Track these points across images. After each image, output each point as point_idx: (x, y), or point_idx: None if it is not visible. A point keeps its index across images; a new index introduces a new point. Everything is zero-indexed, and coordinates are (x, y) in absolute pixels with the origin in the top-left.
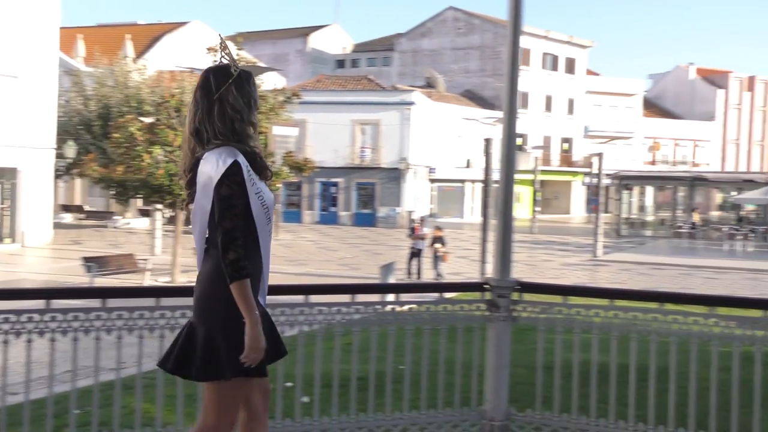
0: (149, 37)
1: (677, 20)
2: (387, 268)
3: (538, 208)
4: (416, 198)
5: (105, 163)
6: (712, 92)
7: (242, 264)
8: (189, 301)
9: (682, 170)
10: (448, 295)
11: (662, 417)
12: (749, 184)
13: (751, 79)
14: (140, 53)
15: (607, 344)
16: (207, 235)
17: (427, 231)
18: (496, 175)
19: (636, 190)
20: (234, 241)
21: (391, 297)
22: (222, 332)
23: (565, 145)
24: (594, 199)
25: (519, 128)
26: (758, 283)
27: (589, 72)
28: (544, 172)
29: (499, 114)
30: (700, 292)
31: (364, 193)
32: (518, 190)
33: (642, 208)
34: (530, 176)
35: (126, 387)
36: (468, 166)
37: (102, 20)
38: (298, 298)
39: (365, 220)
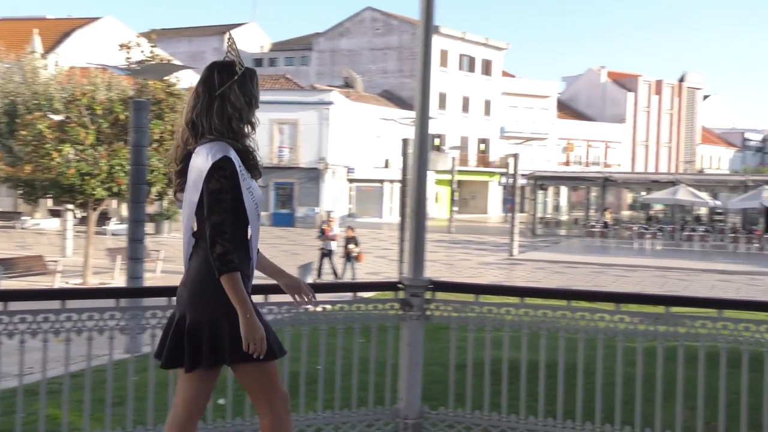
0: (58, 32)
1: (589, 24)
2: (305, 269)
3: (455, 208)
4: (335, 198)
5: (12, 161)
6: (622, 95)
7: (230, 257)
8: (98, 303)
9: (594, 171)
10: (362, 294)
11: (571, 412)
12: (657, 184)
13: (659, 83)
14: (49, 48)
15: (519, 341)
16: (195, 228)
17: (339, 232)
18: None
19: (551, 190)
20: (222, 234)
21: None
22: (225, 319)
23: (482, 146)
24: (510, 199)
25: (437, 129)
26: (666, 280)
27: (505, 74)
28: (461, 172)
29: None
30: (610, 289)
31: (282, 193)
32: (436, 190)
33: (557, 208)
34: (448, 176)
35: (30, 393)
36: (386, 166)
37: (6, 14)
38: None
39: (284, 220)
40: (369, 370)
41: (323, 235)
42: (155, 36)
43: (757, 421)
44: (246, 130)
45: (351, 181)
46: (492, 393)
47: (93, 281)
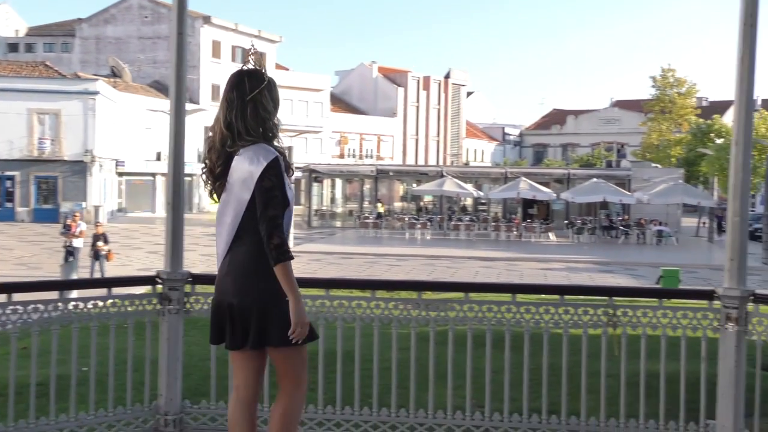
0: None
1: (360, 18)
2: (69, 266)
3: None
4: (103, 192)
5: None
6: (393, 90)
7: (286, 248)
8: None
9: (367, 163)
10: (117, 290)
11: (349, 398)
12: (426, 176)
13: (426, 79)
14: None
15: None
16: (239, 224)
17: (84, 228)
18: (186, 168)
19: (326, 182)
20: (278, 227)
21: (75, 294)
22: (271, 306)
23: None
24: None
25: (211, 121)
26: (434, 268)
27: (279, 66)
28: None
29: (191, 106)
30: (384, 278)
31: (44, 187)
32: None
33: (332, 200)
34: None
35: None
36: (158, 159)
37: None
38: None
39: (47, 215)
40: (127, 369)
41: (69, 231)
42: None
43: (518, 396)
44: (276, 131)
45: (121, 174)
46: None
47: None
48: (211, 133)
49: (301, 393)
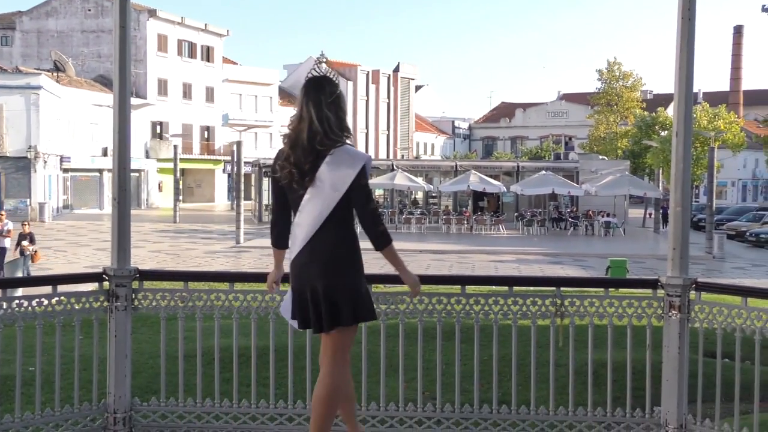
0: None
1: (308, 12)
2: (13, 265)
3: (180, 197)
4: (48, 189)
5: None
6: (342, 84)
7: (388, 233)
8: None
9: None
10: (63, 288)
11: (301, 393)
12: (377, 170)
13: (376, 73)
14: None
15: (230, 328)
16: (327, 217)
17: (11, 227)
18: (132, 164)
19: None
20: (379, 217)
21: (20, 292)
22: (360, 286)
23: (206, 134)
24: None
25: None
26: (385, 262)
27: (227, 60)
28: (185, 160)
29: (137, 101)
30: None
31: None
32: (160, 178)
33: None
34: (171, 165)
35: None
36: (105, 154)
37: None
38: None
39: None
40: (74, 367)
41: None
42: None
43: (469, 387)
44: (350, 131)
45: (66, 170)
46: (204, 379)
47: None
48: (292, 133)
49: (348, 370)
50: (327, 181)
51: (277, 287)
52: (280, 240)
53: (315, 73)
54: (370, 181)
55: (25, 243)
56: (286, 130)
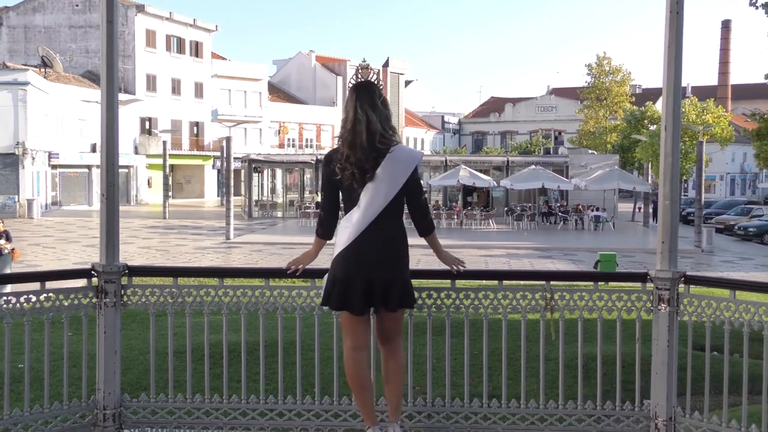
0: None
1: (297, 7)
2: (2, 261)
3: (169, 193)
4: (36, 185)
5: None
6: (332, 79)
7: (433, 221)
8: None
9: (307, 153)
10: (52, 284)
11: (291, 388)
12: None
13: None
14: None
15: (220, 323)
16: (383, 210)
17: None
18: (121, 160)
19: (266, 172)
20: (428, 207)
21: (8, 289)
22: (408, 275)
23: (195, 129)
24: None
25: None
26: None
27: (216, 56)
28: (174, 156)
29: (126, 96)
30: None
31: None
32: (149, 174)
33: (273, 190)
34: (160, 160)
35: None
36: (93, 150)
37: None
38: None
39: None
40: (63, 364)
41: None
42: None
43: (460, 381)
44: (395, 130)
45: (54, 167)
46: (194, 376)
47: None
48: (348, 134)
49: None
50: (386, 177)
51: (300, 267)
52: (328, 232)
53: (360, 78)
54: None
55: (1, 242)
56: (342, 132)
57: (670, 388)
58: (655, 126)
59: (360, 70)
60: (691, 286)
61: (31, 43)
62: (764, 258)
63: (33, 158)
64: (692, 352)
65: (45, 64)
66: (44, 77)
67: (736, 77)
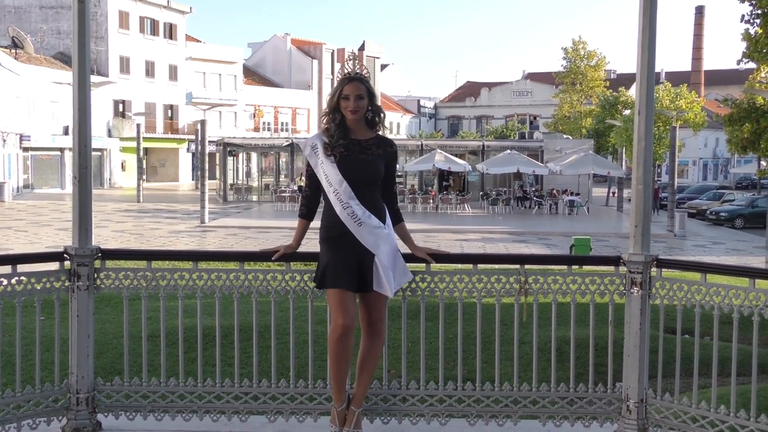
0: None
1: None
2: None
3: (144, 176)
4: (7, 168)
5: None
6: (307, 62)
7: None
8: None
9: (283, 136)
10: (24, 267)
11: (266, 371)
12: None
13: (341, 51)
14: None
15: (194, 307)
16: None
17: None
18: (94, 142)
19: (241, 156)
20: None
21: None
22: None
23: (170, 112)
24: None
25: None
26: None
27: (190, 38)
28: (148, 139)
29: (99, 78)
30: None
31: None
32: (123, 157)
33: (248, 174)
34: (134, 143)
35: None
36: (66, 133)
37: None
38: None
39: None
40: (35, 349)
41: None
42: None
43: (435, 365)
44: None
45: (26, 149)
46: (168, 359)
47: None
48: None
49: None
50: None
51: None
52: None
53: (348, 69)
54: None
55: None
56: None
57: (641, 370)
58: (629, 111)
59: (350, 61)
60: (663, 269)
61: (1, 23)
62: (735, 242)
63: (4, 140)
64: (664, 335)
65: (15, 44)
66: (15, 58)
67: (709, 63)
